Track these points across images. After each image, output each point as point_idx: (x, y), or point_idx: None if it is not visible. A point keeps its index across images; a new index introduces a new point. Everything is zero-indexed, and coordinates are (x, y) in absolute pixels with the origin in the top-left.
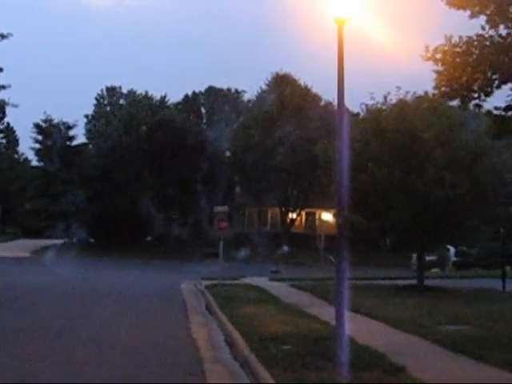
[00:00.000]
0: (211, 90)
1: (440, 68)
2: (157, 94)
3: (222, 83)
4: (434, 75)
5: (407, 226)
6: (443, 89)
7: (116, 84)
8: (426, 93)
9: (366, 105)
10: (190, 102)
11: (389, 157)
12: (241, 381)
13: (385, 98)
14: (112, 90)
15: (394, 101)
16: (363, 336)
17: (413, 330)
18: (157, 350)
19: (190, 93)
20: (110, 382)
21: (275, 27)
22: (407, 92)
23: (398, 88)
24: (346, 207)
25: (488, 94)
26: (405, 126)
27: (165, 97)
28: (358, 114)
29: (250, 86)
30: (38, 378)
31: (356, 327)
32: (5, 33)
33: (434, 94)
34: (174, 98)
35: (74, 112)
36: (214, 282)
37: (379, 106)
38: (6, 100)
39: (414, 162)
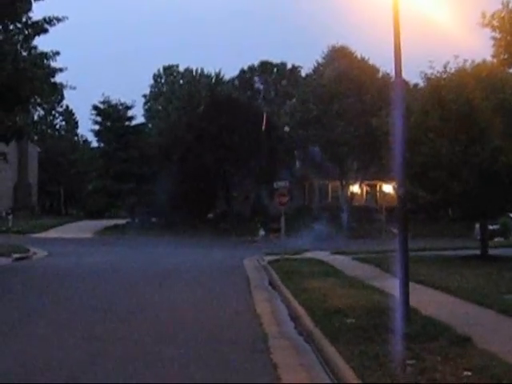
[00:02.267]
0: (266, 65)
1: (498, 35)
2: (212, 71)
3: (275, 58)
4: (492, 42)
5: (471, 197)
6: (502, 56)
7: (173, 63)
8: (484, 61)
9: (425, 74)
10: (245, 77)
11: (449, 127)
12: (306, 356)
13: (444, 66)
14: (169, 69)
15: (452, 70)
16: (427, 307)
17: (478, 300)
18: (221, 327)
19: (244, 68)
20: (174, 360)
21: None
22: (465, 60)
23: (456, 56)
24: (406, 179)
25: None
26: (464, 95)
27: (219, 73)
28: (416, 85)
29: (304, 60)
30: (105, 358)
31: (420, 298)
32: (60, 16)
33: (493, 62)
34: (229, 73)
35: (132, 92)
36: (277, 256)
37: (438, 75)
38: (64, 83)
39: (475, 131)
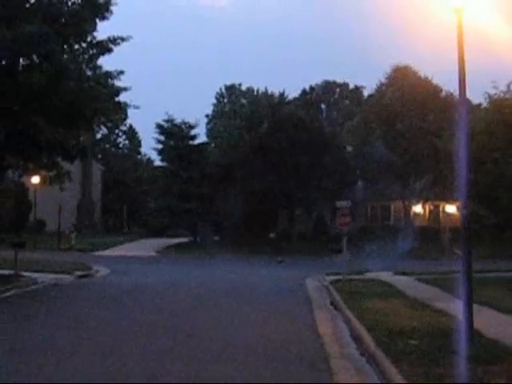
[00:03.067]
0: (328, 85)
1: None
2: (275, 91)
3: (338, 78)
4: None
5: None
6: None
7: (235, 82)
8: None
9: (489, 94)
10: (308, 96)
11: None
12: (368, 377)
13: (508, 86)
14: (231, 89)
15: None
16: (491, 330)
17: None
18: (283, 346)
19: (306, 87)
20: (234, 379)
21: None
22: None
23: None
24: (470, 200)
25: None
26: None
27: (283, 93)
28: (480, 105)
29: (366, 79)
30: (162, 376)
31: (483, 320)
32: (124, 35)
33: None
34: (292, 93)
35: (195, 112)
36: (339, 277)
37: (502, 95)
38: (128, 102)
39: None
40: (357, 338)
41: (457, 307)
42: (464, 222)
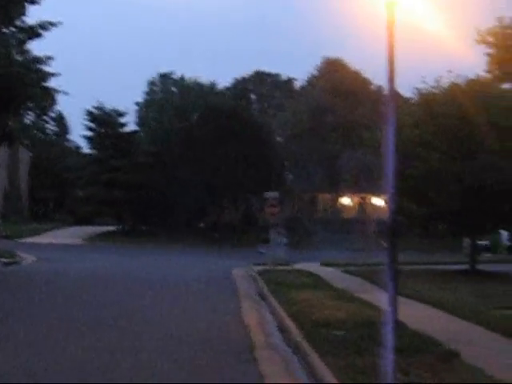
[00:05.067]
0: (259, 76)
1: (492, 51)
2: (206, 80)
3: (269, 69)
4: (486, 58)
5: (460, 212)
6: (495, 72)
7: (167, 70)
8: (477, 76)
9: (418, 89)
10: (239, 87)
11: (441, 142)
12: (293, 367)
13: (436, 81)
14: (163, 77)
15: (445, 85)
16: (416, 322)
17: (466, 315)
18: (209, 336)
19: (238, 77)
20: (159, 370)
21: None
22: (458, 75)
23: (449, 72)
24: (397, 193)
25: None
26: (457, 110)
27: (215, 83)
28: (409, 99)
29: (298, 72)
30: (85, 368)
31: (408, 312)
32: (54, 21)
33: (486, 78)
34: (223, 83)
35: (127, 100)
36: (266, 267)
37: (431, 89)
38: (57, 88)
39: (466, 147)
40: (283, 329)
41: (382, 299)
42: (390, 215)
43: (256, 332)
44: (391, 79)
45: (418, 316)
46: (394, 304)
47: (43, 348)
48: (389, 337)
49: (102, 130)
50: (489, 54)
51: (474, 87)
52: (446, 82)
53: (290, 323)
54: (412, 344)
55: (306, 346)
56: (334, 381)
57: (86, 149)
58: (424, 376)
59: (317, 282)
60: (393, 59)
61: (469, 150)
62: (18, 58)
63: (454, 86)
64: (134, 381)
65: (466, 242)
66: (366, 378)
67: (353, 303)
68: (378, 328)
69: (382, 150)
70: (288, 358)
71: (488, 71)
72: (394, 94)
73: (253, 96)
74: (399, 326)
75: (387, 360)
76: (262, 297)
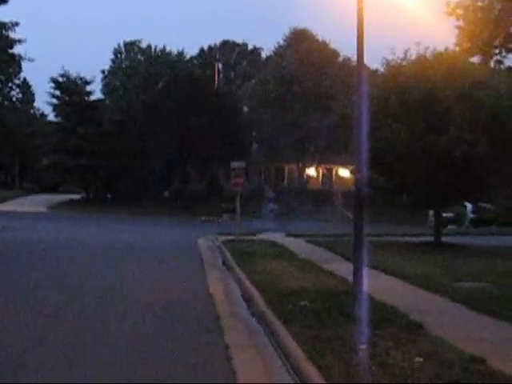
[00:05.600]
0: (227, 45)
1: (461, 24)
2: (174, 49)
3: (237, 38)
4: (456, 31)
5: (425, 184)
6: (465, 45)
7: (134, 38)
8: (446, 49)
9: (387, 60)
10: (206, 56)
11: (408, 114)
12: (258, 337)
13: (405, 53)
14: (130, 45)
15: (413, 57)
16: (380, 293)
17: (430, 286)
18: (173, 306)
19: (205, 47)
20: (123, 339)
21: None
22: (427, 48)
23: (418, 44)
24: (365, 164)
25: (510, 51)
26: (424, 83)
27: (182, 52)
28: (376, 70)
29: (266, 42)
30: (55, 335)
31: (373, 284)
32: None
33: (455, 51)
34: (190, 52)
35: (91, 67)
36: (231, 237)
37: (399, 61)
38: (22, 54)
39: (433, 120)
40: (248, 299)
41: (347, 270)
42: (358, 186)
43: (221, 301)
44: (360, 51)
45: (383, 287)
46: (359, 275)
47: None
48: (354, 307)
49: (67, 98)
50: (458, 27)
51: (442, 60)
52: (414, 54)
53: (254, 293)
54: (377, 315)
55: (270, 315)
56: (299, 350)
57: (51, 117)
58: (388, 346)
59: (282, 253)
60: (362, 29)
61: (436, 123)
62: None
63: (421, 59)
64: (94, 351)
65: (431, 214)
66: (331, 348)
67: (317, 273)
68: (342, 298)
69: (350, 121)
70: (253, 328)
71: (457, 44)
72: (363, 65)
73: (220, 66)
74: (364, 296)
75: (352, 330)
76: (227, 267)
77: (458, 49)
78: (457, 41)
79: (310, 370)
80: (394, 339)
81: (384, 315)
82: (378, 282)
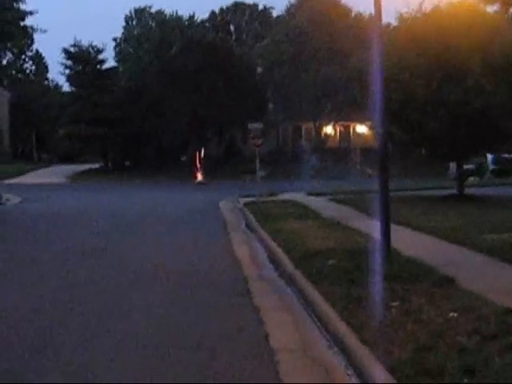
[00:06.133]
0: (237, 6)
1: None
2: (185, 13)
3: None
4: None
5: (445, 136)
6: None
7: (145, 4)
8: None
9: (401, 14)
10: (217, 19)
11: (425, 67)
12: (287, 298)
13: (419, 5)
14: (141, 12)
15: (428, 9)
16: (408, 248)
17: (457, 239)
18: (200, 270)
19: (216, 10)
20: (154, 305)
21: None
22: None
23: None
24: (380, 118)
25: None
26: (441, 34)
27: (193, 16)
28: (389, 24)
29: (275, 2)
30: (82, 301)
31: (399, 239)
32: None
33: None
34: (202, 15)
35: (103, 35)
36: (252, 199)
37: (413, 14)
38: (35, 26)
39: (451, 71)
40: (274, 260)
41: (372, 226)
42: (380, 141)
43: (248, 264)
44: (378, 10)
45: (410, 242)
46: (386, 231)
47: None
48: (383, 264)
49: (80, 68)
50: None
51: (458, 10)
52: (429, 6)
53: (280, 254)
54: (406, 271)
55: (298, 275)
56: (330, 310)
57: (65, 87)
58: (421, 302)
59: (304, 212)
60: None
61: (453, 74)
62: None
63: (436, 10)
64: (127, 319)
65: (452, 166)
66: (363, 307)
67: (342, 232)
68: (370, 256)
69: (366, 76)
70: (282, 289)
71: None
72: (380, 19)
73: (231, 27)
74: (392, 253)
75: (383, 288)
76: (251, 228)
77: None
78: None
79: (344, 330)
80: (427, 295)
81: (414, 271)
82: (404, 238)
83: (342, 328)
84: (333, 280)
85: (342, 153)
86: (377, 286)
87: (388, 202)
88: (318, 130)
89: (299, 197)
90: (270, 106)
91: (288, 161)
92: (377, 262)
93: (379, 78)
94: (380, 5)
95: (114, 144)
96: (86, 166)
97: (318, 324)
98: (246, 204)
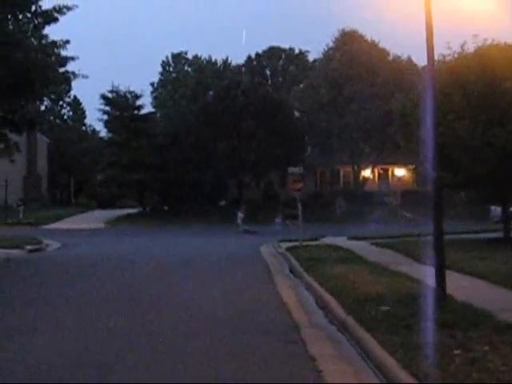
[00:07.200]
0: (273, 51)
1: None
2: (219, 58)
3: (282, 43)
4: None
5: (491, 178)
6: None
7: (181, 50)
8: (505, 43)
9: (443, 55)
10: (253, 63)
11: (470, 109)
12: (342, 346)
13: (461, 47)
14: (177, 57)
15: (471, 50)
16: (462, 293)
17: (510, 284)
18: (248, 317)
19: (252, 54)
20: (203, 354)
21: None
22: (485, 39)
23: (475, 36)
24: (434, 162)
25: None
26: (486, 76)
27: (227, 60)
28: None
29: (312, 45)
30: (132, 352)
31: (452, 284)
32: (70, 4)
33: None
34: (238, 60)
35: (141, 81)
36: (293, 243)
37: (456, 55)
38: (76, 71)
39: (496, 113)
40: (323, 306)
41: (420, 271)
42: (435, 186)
43: (296, 310)
44: (430, 47)
45: (463, 287)
46: (441, 276)
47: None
48: (437, 310)
49: (118, 113)
50: None
51: (503, 51)
52: (471, 47)
53: (330, 300)
54: (464, 317)
55: (351, 322)
56: (391, 359)
57: (103, 133)
58: (484, 350)
59: (348, 256)
60: (431, 28)
61: (498, 115)
62: (35, 42)
63: (480, 51)
64: (172, 364)
65: (494, 209)
66: (424, 356)
67: (391, 276)
68: (423, 302)
69: (410, 119)
70: (335, 337)
71: None
72: (433, 63)
73: (267, 72)
74: (447, 298)
75: (442, 335)
76: (295, 273)
77: None
78: None
79: (409, 381)
80: (488, 342)
81: (470, 317)
82: (456, 283)
83: (405, 378)
84: (388, 327)
85: (380, 196)
86: (435, 333)
87: (443, 247)
88: (357, 173)
89: (340, 241)
90: (309, 149)
91: (326, 205)
92: (431, 308)
93: (432, 124)
94: (433, 53)
95: (152, 188)
96: (124, 211)
97: (379, 374)
98: (287, 249)
